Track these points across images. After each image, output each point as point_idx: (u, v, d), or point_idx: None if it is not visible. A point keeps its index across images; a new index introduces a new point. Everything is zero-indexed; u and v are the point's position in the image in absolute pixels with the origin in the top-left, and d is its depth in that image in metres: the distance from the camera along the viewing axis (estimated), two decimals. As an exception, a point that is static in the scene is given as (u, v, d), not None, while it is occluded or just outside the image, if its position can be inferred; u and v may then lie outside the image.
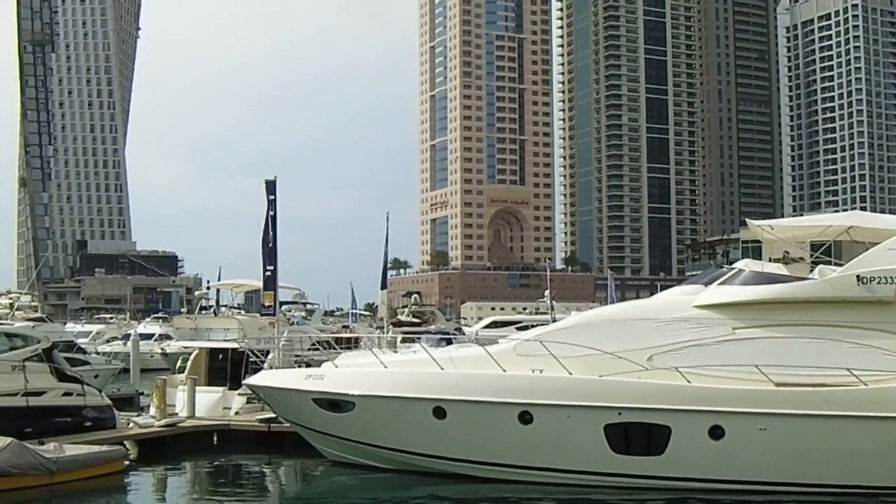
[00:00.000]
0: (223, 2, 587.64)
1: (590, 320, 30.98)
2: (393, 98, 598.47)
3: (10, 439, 27.05)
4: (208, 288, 75.83)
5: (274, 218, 40.48)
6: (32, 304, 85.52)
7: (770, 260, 32.28)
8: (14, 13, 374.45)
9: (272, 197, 40.66)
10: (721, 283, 29.48)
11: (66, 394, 34.18)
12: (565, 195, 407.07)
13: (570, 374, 27.78)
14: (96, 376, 53.32)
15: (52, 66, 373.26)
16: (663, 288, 40.98)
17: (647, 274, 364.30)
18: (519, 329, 68.55)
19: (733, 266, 31.05)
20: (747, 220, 36.89)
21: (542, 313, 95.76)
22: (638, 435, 27.63)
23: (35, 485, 27.30)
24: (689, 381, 27.24)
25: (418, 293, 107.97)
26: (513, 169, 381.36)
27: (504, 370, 28.49)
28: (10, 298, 72.42)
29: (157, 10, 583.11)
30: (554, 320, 61.59)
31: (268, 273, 40.86)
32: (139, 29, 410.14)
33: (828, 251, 31.34)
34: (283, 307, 65.03)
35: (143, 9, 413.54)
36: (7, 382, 31.88)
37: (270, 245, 40.33)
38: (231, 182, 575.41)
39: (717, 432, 27.00)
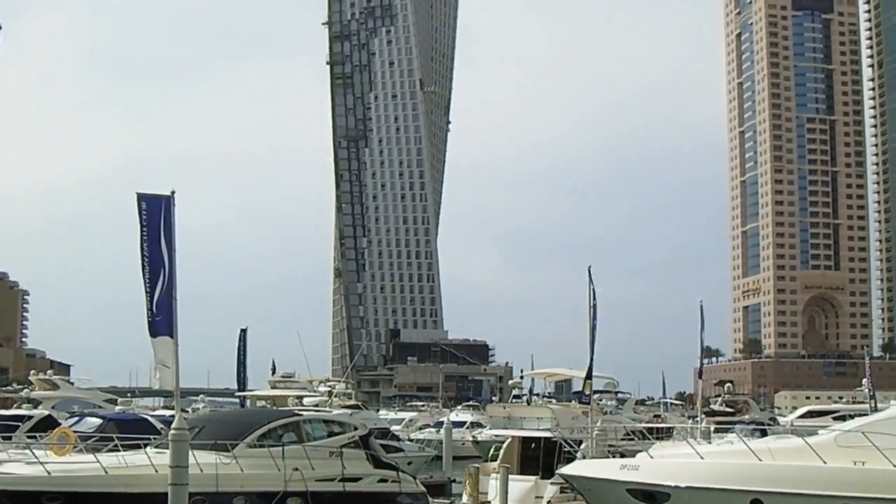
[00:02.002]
0: (525, 98, 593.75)
1: (915, 410, 29.58)
2: (698, 183, 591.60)
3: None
4: (521, 376, 75.98)
5: (594, 306, 40.50)
6: (347, 391, 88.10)
7: None
8: (329, 111, 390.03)
9: (592, 286, 40.77)
10: None
11: (382, 480, 34.62)
12: (882, 279, 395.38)
13: (895, 467, 26.60)
14: (410, 463, 54.05)
15: (365, 160, 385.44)
16: None
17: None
18: (836, 419, 66.91)
19: None
20: None
21: (859, 402, 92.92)
22: (967, 533, 26.14)
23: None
24: None
25: (731, 382, 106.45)
26: (826, 254, 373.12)
27: (824, 462, 27.47)
28: (328, 386, 74.84)
29: (465, 105, 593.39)
30: (875, 410, 59.65)
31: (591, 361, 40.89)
32: (449, 122, 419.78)
33: None
34: (596, 396, 64.78)
35: (453, 103, 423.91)
36: (325, 468, 32.47)
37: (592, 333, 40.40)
38: (539, 270, 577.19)
39: None
